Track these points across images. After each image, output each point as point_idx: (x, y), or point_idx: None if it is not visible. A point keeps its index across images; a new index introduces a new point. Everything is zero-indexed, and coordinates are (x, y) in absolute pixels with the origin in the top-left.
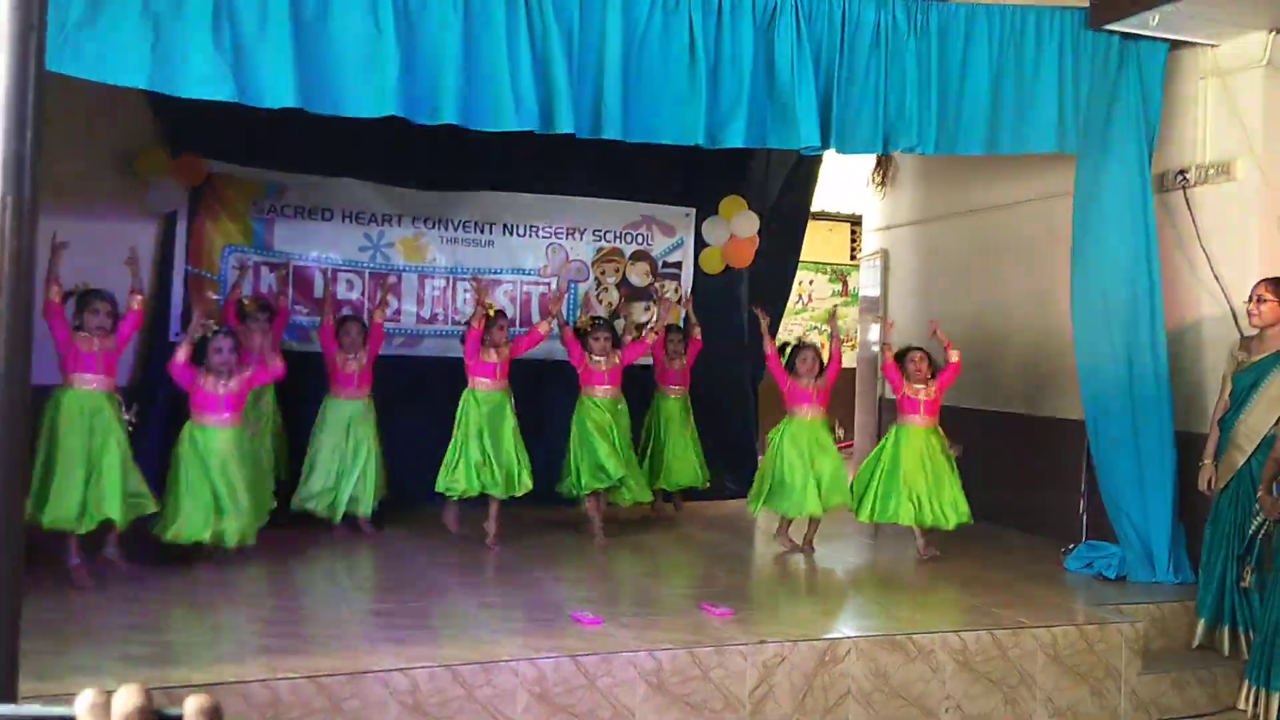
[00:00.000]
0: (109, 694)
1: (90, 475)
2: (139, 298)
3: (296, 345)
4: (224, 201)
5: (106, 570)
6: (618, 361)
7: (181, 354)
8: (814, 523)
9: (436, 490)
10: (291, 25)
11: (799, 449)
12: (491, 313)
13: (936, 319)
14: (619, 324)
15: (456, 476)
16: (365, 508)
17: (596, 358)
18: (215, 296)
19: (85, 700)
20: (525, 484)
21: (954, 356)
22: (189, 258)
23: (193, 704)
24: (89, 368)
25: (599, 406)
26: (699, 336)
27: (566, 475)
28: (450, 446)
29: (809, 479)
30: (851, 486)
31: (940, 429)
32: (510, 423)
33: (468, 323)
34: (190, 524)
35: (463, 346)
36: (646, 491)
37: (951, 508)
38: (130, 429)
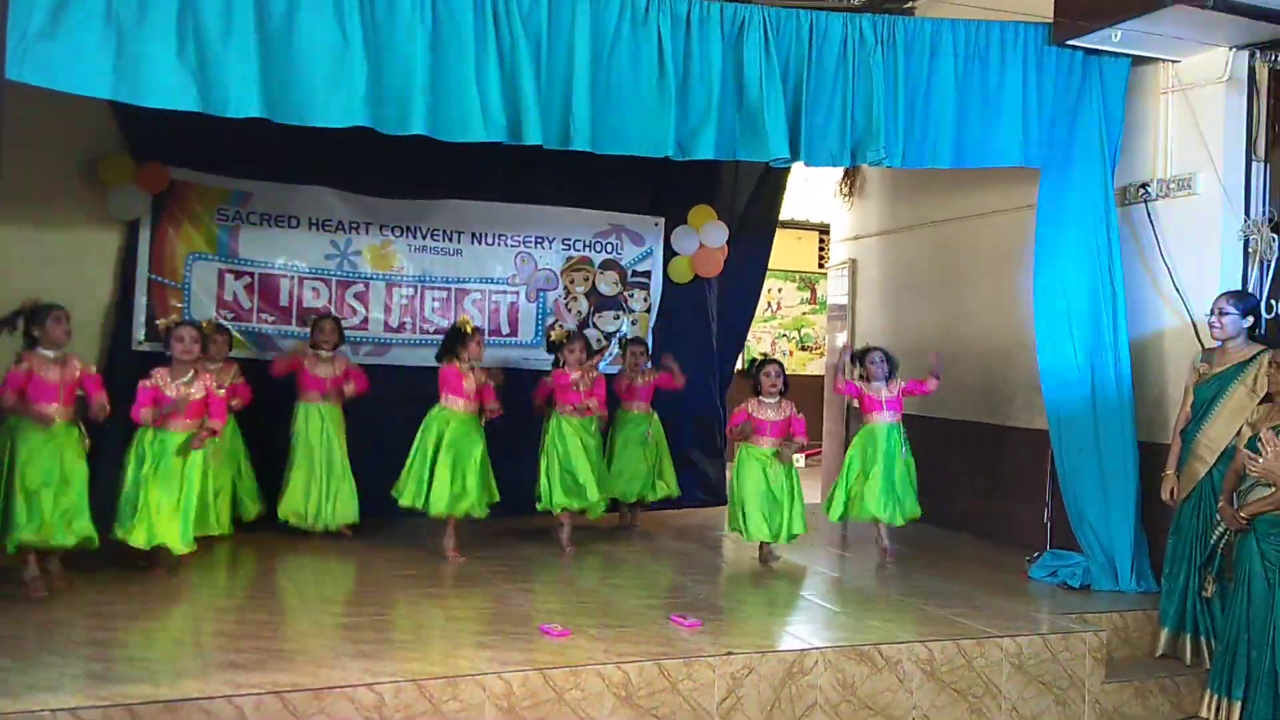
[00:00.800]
0: None
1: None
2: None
3: (258, 353)
4: (187, 209)
5: (64, 584)
6: (596, 375)
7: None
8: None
9: (404, 504)
10: (256, 35)
11: (761, 478)
12: (469, 329)
13: (906, 329)
14: (591, 333)
15: (430, 497)
16: (346, 515)
17: (573, 374)
18: (179, 304)
19: None
20: (482, 508)
21: (932, 385)
22: (152, 265)
23: None
24: (51, 397)
25: (574, 424)
26: (678, 382)
27: (542, 490)
28: (412, 461)
29: (773, 509)
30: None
31: (902, 428)
32: (479, 446)
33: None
34: (147, 528)
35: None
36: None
37: (904, 505)
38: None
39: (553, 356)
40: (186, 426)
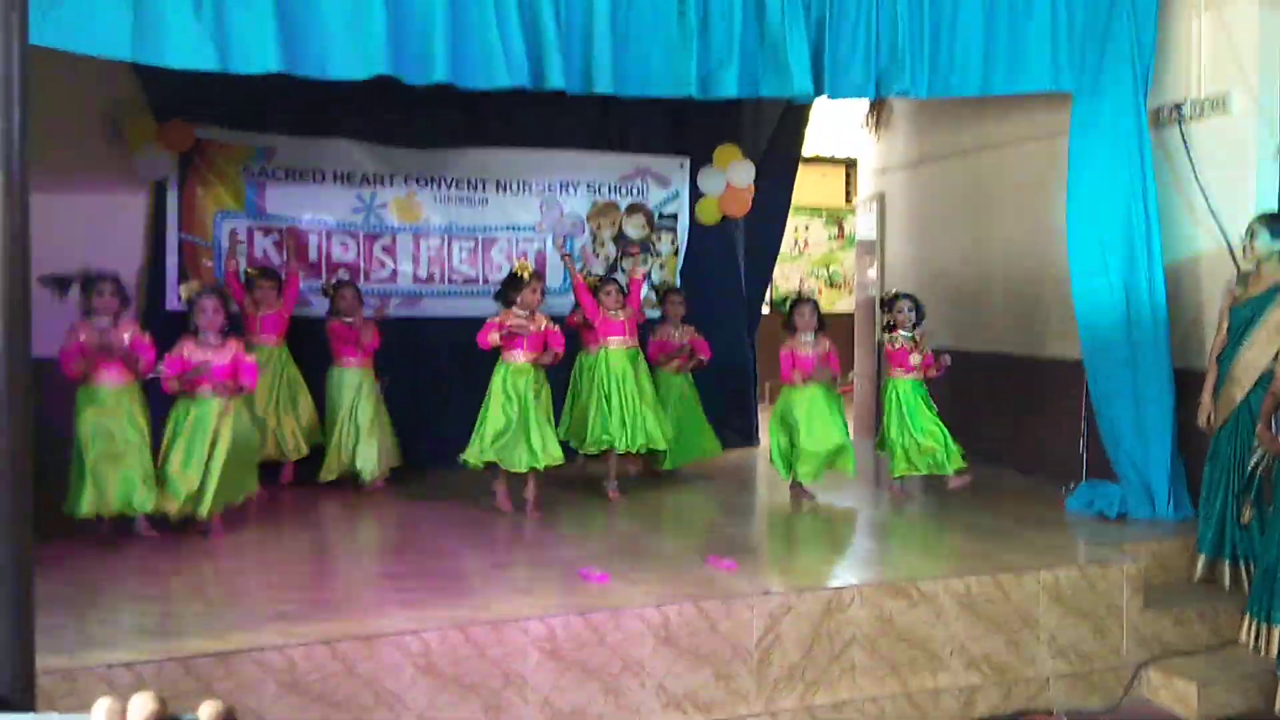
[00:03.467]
0: (123, 703)
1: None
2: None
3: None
4: (214, 167)
5: (119, 541)
6: (631, 313)
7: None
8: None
9: (468, 463)
10: None
11: (803, 415)
12: (526, 274)
13: (936, 262)
14: (621, 276)
15: (487, 448)
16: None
17: (612, 309)
18: (209, 264)
19: (101, 709)
20: (553, 456)
21: (933, 374)
22: (181, 225)
23: (208, 711)
24: (102, 364)
25: (618, 357)
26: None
27: (581, 431)
28: (480, 418)
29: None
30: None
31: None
32: (542, 394)
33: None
34: (171, 494)
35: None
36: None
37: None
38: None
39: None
40: (217, 392)
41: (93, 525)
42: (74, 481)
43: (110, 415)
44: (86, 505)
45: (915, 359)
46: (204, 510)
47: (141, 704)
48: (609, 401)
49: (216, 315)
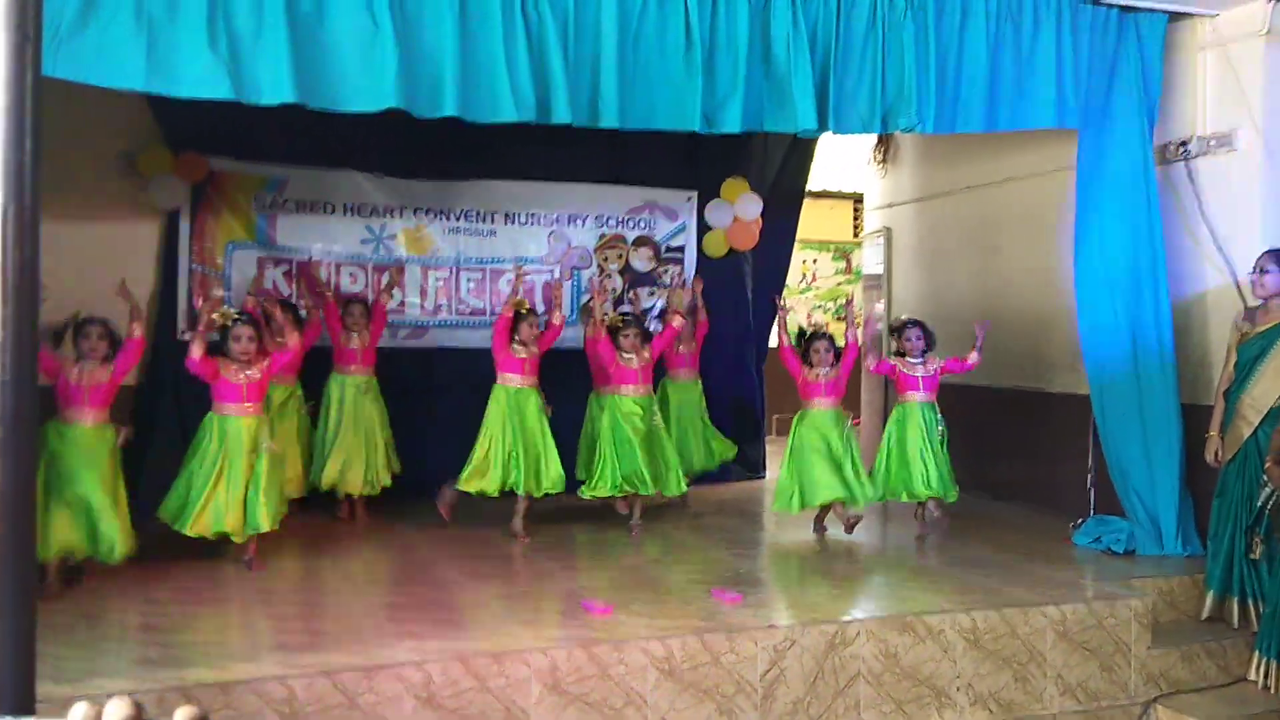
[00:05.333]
0: (99, 707)
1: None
2: (139, 325)
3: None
4: (226, 197)
5: (116, 571)
6: (649, 357)
7: (196, 350)
8: (842, 507)
9: (462, 489)
10: (287, 22)
11: (817, 440)
12: (524, 309)
13: (943, 297)
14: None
15: (486, 478)
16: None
17: (627, 354)
18: (220, 293)
19: (79, 713)
20: (554, 483)
21: (973, 360)
22: (193, 255)
23: (182, 715)
24: (77, 401)
25: (634, 405)
26: (705, 319)
27: (594, 475)
28: (477, 444)
29: (830, 465)
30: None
31: (936, 405)
32: (539, 420)
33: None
34: (212, 516)
35: (492, 339)
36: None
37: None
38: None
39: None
40: (247, 411)
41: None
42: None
43: (77, 455)
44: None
45: (920, 371)
46: (240, 533)
47: (116, 707)
48: (618, 447)
49: (250, 344)
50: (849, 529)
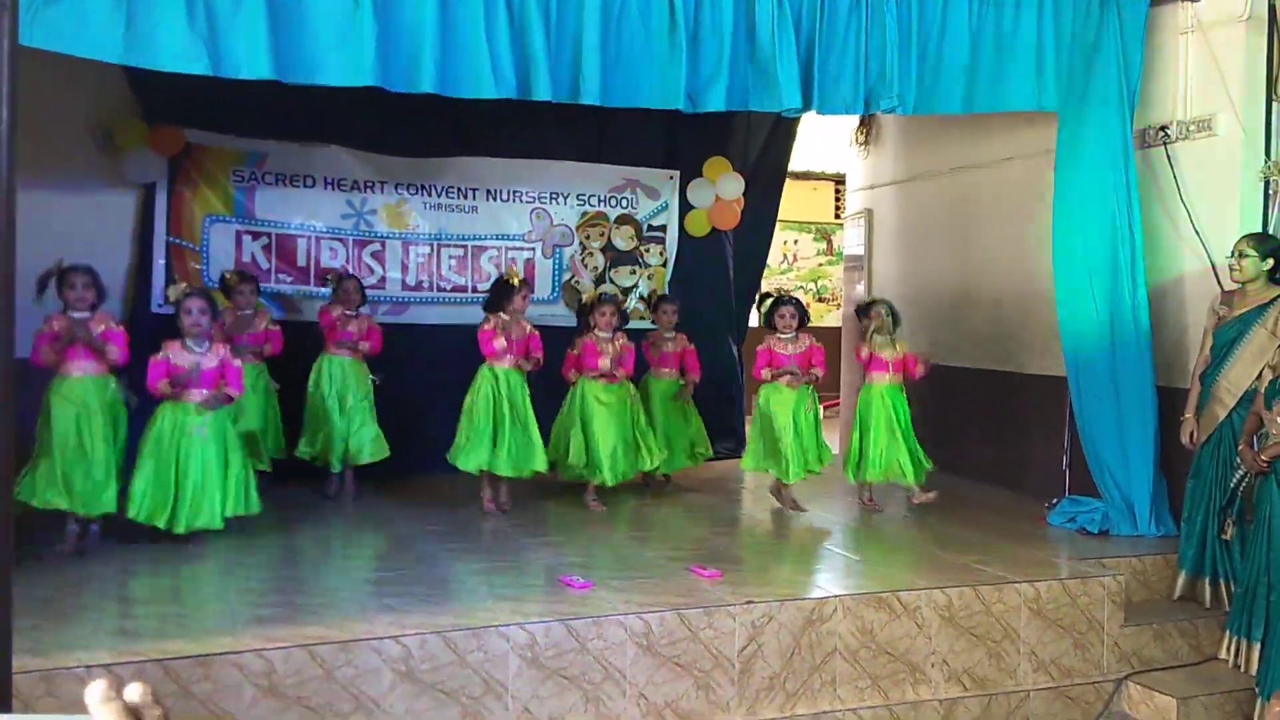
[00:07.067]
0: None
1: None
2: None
3: (283, 315)
4: (203, 171)
5: (97, 544)
6: (626, 341)
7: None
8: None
9: (455, 464)
10: None
11: (785, 414)
12: (516, 281)
13: (923, 278)
14: (608, 288)
15: (472, 454)
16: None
17: (602, 334)
18: (198, 267)
19: (95, 692)
20: (538, 465)
21: (919, 372)
22: (170, 228)
23: (134, 690)
24: (74, 355)
25: (606, 391)
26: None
27: (568, 459)
28: (461, 424)
29: (794, 445)
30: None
31: (903, 389)
32: (522, 401)
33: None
34: (149, 505)
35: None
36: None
37: (910, 462)
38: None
39: (570, 315)
40: (203, 398)
41: (58, 520)
42: (40, 470)
43: (80, 407)
44: (53, 497)
45: (889, 354)
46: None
47: (135, 693)
48: (588, 433)
49: (202, 317)
50: (791, 507)
